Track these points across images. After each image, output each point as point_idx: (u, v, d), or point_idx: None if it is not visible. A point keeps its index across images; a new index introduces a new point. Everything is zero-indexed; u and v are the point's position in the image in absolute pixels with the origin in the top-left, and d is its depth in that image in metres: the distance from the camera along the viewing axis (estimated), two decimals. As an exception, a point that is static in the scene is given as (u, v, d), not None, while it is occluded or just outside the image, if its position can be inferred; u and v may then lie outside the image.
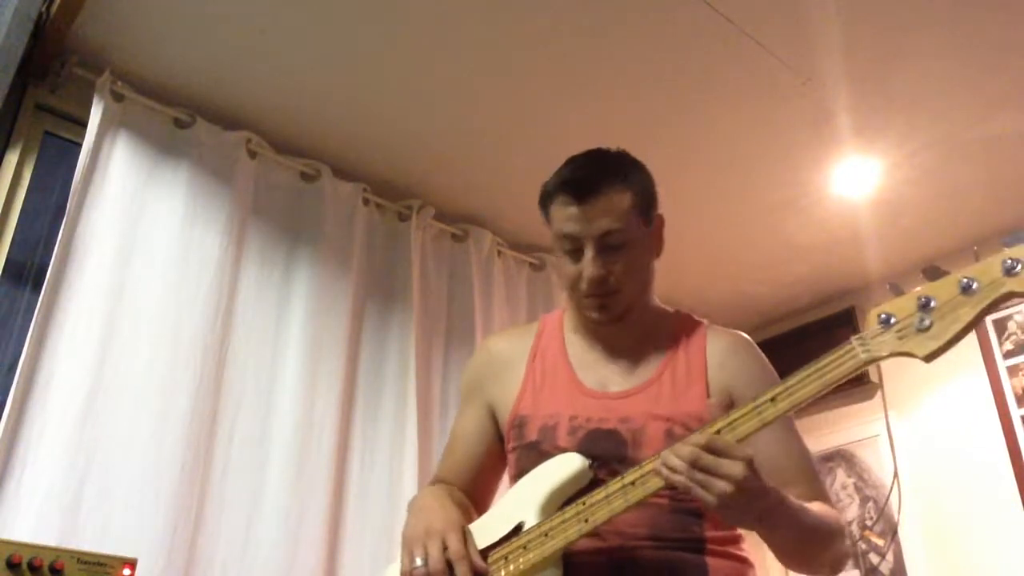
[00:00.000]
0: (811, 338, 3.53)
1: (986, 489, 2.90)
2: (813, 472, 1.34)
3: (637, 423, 1.30)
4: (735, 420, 1.11)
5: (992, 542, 2.85)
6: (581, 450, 1.29)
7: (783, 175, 2.81)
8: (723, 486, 1.05)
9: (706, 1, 2.15)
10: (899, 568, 3.04)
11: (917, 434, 3.14)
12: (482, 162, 2.78)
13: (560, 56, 2.35)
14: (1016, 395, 2.91)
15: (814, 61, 2.33)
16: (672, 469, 1.08)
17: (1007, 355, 2.96)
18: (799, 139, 2.65)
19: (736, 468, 1.05)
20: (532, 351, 1.45)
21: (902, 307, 1.01)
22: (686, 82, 2.44)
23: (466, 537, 1.23)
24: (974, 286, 0.95)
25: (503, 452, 1.45)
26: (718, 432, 1.11)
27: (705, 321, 1.44)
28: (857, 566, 3.14)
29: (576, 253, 1.33)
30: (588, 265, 1.31)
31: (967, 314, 0.95)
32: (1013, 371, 2.93)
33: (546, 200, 1.41)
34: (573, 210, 1.33)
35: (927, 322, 0.97)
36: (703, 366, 1.35)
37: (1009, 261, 0.92)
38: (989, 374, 2.97)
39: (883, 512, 3.12)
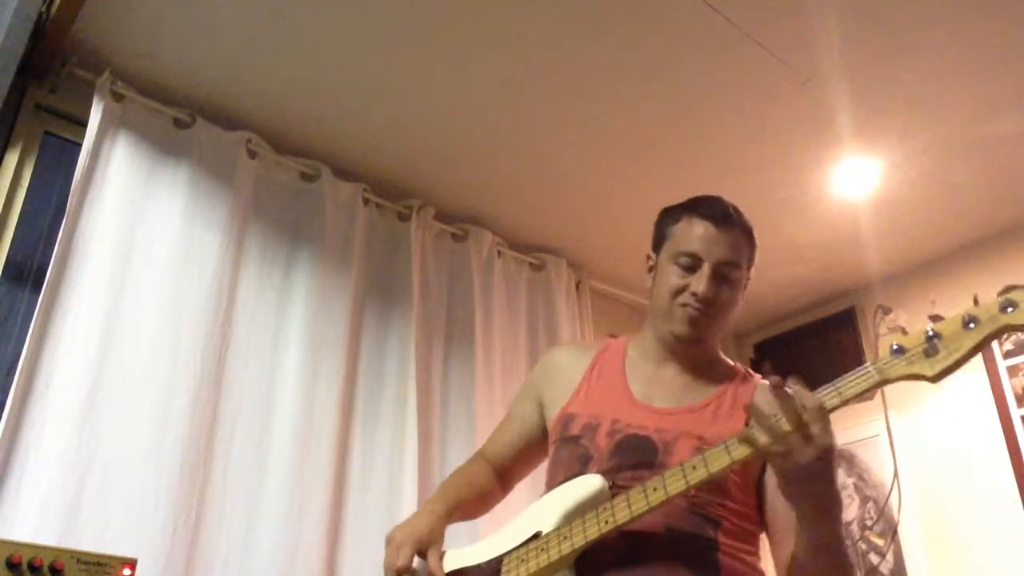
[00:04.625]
0: (811, 338, 3.54)
1: (986, 489, 2.90)
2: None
3: (671, 435, 1.37)
4: (759, 432, 1.18)
5: (992, 542, 2.85)
6: (616, 450, 1.38)
7: (783, 175, 2.81)
8: (808, 450, 1.13)
9: (706, 2, 2.15)
10: (899, 568, 3.04)
11: (917, 434, 3.14)
12: (482, 162, 2.78)
13: (560, 58, 2.35)
14: (1016, 395, 2.91)
15: (814, 61, 2.33)
16: (775, 425, 1.14)
17: (1007, 355, 2.96)
18: (799, 139, 2.65)
19: (825, 438, 1.13)
20: (592, 363, 1.56)
21: (911, 340, 1.16)
22: (686, 83, 2.44)
23: (420, 550, 1.39)
24: (975, 323, 1.12)
25: (541, 444, 1.59)
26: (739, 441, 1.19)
27: (760, 377, 1.53)
28: (857, 566, 3.14)
29: (691, 269, 1.44)
30: (702, 281, 1.42)
31: (970, 342, 1.11)
32: (1013, 371, 2.93)
33: (674, 217, 1.52)
34: (710, 231, 1.45)
35: (934, 350, 1.13)
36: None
37: (1006, 301, 1.11)
38: (989, 374, 2.97)
39: (883, 512, 3.12)
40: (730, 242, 1.45)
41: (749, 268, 1.52)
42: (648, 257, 1.57)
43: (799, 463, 1.13)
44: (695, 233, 1.46)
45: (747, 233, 1.50)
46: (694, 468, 1.22)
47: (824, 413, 1.15)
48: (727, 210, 1.49)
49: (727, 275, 1.45)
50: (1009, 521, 2.82)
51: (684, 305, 1.44)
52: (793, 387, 1.16)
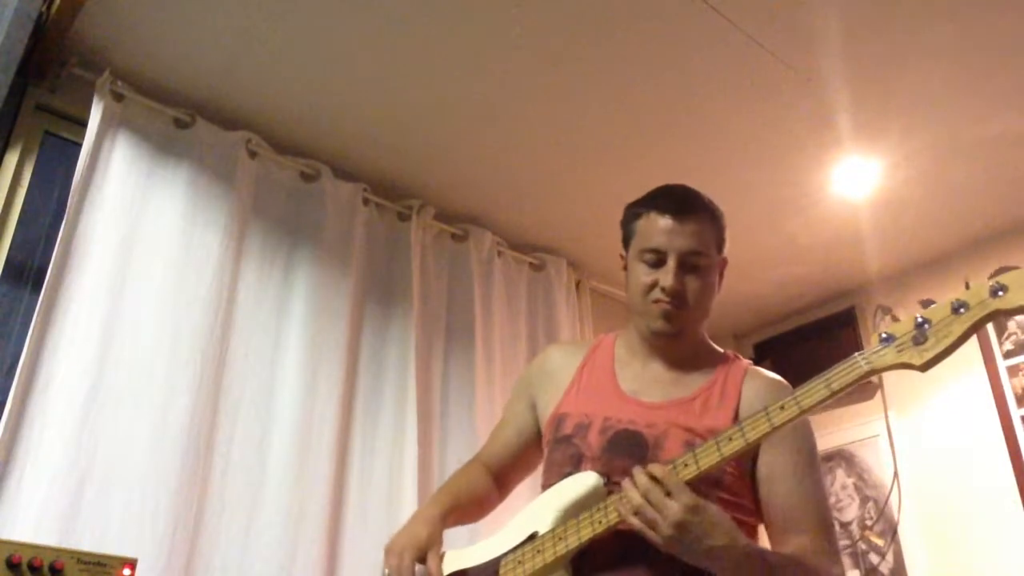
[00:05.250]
0: (811, 338, 3.54)
1: (986, 489, 2.90)
2: (824, 524, 1.37)
3: (660, 429, 1.38)
4: (746, 424, 1.21)
5: (992, 542, 2.85)
6: (608, 447, 1.39)
7: (783, 175, 2.81)
8: (662, 528, 1.16)
9: (706, 2, 2.15)
10: (899, 568, 3.04)
11: (917, 434, 3.14)
12: (482, 162, 2.78)
13: (560, 57, 2.35)
14: (1016, 395, 2.91)
15: (814, 61, 2.33)
16: (629, 502, 1.20)
17: (1007, 355, 2.96)
18: (799, 139, 2.65)
19: (674, 510, 1.16)
20: (583, 362, 1.56)
21: (900, 328, 1.14)
22: (687, 83, 2.44)
23: (420, 556, 1.39)
24: (964, 308, 1.10)
25: (538, 445, 1.59)
26: (729, 438, 1.21)
27: (748, 362, 1.52)
28: (857, 566, 3.14)
29: (657, 265, 1.45)
30: (668, 275, 1.43)
31: (959, 329, 1.09)
32: (1013, 371, 2.93)
33: (635, 214, 1.53)
34: (668, 223, 1.45)
35: (923, 338, 1.11)
36: (736, 395, 1.43)
37: (996, 285, 1.08)
38: (989, 374, 2.97)
39: (883, 512, 3.12)
40: (692, 231, 1.45)
41: (720, 250, 1.51)
42: (621, 256, 1.57)
43: (663, 536, 1.17)
44: (656, 228, 1.46)
45: (710, 216, 1.49)
46: (685, 465, 1.22)
47: (668, 481, 1.18)
48: (686, 199, 1.49)
49: (694, 264, 1.45)
50: (1009, 521, 2.81)
51: (656, 301, 1.44)
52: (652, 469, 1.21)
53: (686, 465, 1.22)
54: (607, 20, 2.22)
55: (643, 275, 1.46)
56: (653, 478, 1.19)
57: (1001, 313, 1.08)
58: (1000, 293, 1.08)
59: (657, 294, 1.44)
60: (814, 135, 2.62)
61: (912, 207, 2.95)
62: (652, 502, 1.17)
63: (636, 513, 1.19)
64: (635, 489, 1.20)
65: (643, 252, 1.46)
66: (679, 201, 1.48)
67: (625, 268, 1.54)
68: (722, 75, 2.40)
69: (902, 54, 2.32)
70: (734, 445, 1.21)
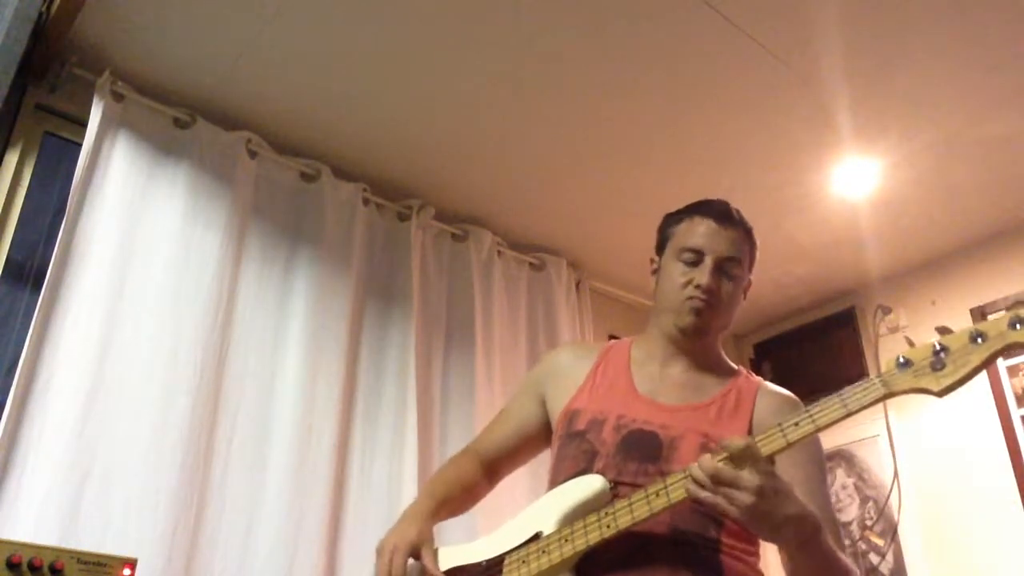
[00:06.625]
0: (811, 338, 3.54)
1: (986, 489, 2.90)
2: (835, 527, 1.39)
3: (676, 431, 1.40)
4: (761, 440, 1.21)
5: (992, 542, 2.85)
6: (622, 445, 1.40)
7: (783, 175, 2.81)
8: (743, 497, 1.14)
9: (706, 2, 2.15)
10: (899, 568, 3.05)
11: (917, 434, 3.14)
12: (482, 162, 2.79)
13: (560, 57, 2.35)
14: (1016, 395, 2.91)
15: (814, 61, 2.33)
16: (697, 482, 1.17)
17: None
18: (799, 139, 2.65)
19: (753, 477, 1.14)
20: (597, 362, 1.59)
21: (918, 353, 1.16)
22: (686, 82, 2.44)
23: (412, 553, 1.38)
24: (982, 338, 1.12)
25: (537, 442, 1.62)
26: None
27: (760, 379, 1.56)
28: (857, 566, 3.14)
29: (694, 264, 1.50)
30: (705, 273, 1.48)
31: (977, 358, 1.12)
32: (1013, 371, 2.93)
33: (676, 219, 1.58)
34: (711, 227, 1.51)
35: (941, 364, 1.13)
36: (751, 407, 1.45)
37: (1014, 317, 1.11)
38: (989, 374, 2.97)
39: (883, 512, 3.12)
40: (731, 239, 1.51)
41: (750, 269, 1.56)
42: (652, 260, 1.61)
43: (744, 504, 1.14)
44: (697, 230, 1.52)
45: (747, 233, 1.56)
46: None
47: (750, 452, 1.15)
48: (728, 209, 1.55)
49: (728, 270, 1.50)
50: (1009, 521, 2.82)
51: (689, 298, 1.48)
52: (723, 442, 1.18)
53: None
54: (606, 20, 2.22)
55: (679, 274, 1.50)
56: (726, 455, 1.17)
57: (1019, 346, 1.11)
58: (1018, 326, 1.10)
59: (691, 291, 1.48)
60: (814, 135, 2.62)
61: (912, 207, 2.95)
62: (727, 474, 1.15)
63: (712, 484, 1.16)
64: (702, 470, 1.17)
65: (682, 251, 1.51)
66: (723, 210, 1.54)
67: (654, 272, 1.59)
68: (722, 75, 2.40)
69: (902, 54, 2.32)
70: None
